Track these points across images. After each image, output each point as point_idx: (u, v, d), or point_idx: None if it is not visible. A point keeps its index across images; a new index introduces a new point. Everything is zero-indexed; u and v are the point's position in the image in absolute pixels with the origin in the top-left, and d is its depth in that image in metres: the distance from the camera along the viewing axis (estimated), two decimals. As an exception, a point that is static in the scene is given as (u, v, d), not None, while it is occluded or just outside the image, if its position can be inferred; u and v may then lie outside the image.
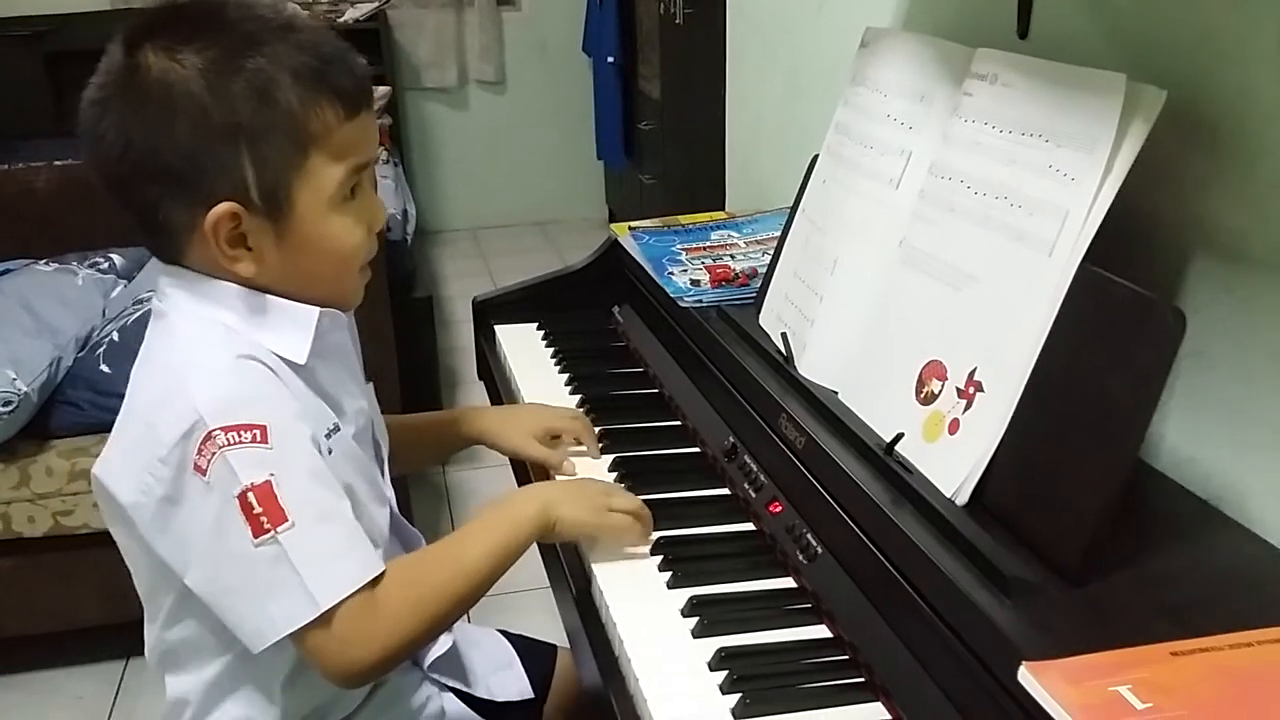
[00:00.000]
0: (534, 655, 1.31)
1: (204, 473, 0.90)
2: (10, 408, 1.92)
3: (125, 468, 0.96)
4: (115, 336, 2.11)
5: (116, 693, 2.16)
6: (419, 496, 2.71)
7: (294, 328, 0.99)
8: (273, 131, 0.93)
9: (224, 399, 0.92)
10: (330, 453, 0.99)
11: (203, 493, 0.91)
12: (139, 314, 2.16)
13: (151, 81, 0.91)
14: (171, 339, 0.98)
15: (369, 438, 1.12)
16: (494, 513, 1.07)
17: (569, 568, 1.10)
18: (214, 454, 0.90)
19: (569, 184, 5.11)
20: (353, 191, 0.99)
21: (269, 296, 0.99)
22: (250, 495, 0.90)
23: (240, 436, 0.90)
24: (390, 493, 1.13)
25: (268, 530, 0.90)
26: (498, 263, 4.62)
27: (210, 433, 0.90)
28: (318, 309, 1.01)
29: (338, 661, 0.94)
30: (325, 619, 0.92)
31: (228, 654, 1.00)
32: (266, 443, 0.91)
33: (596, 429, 1.33)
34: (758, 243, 1.59)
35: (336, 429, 1.02)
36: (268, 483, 0.90)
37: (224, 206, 0.93)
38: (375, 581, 0.95)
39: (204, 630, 1.00)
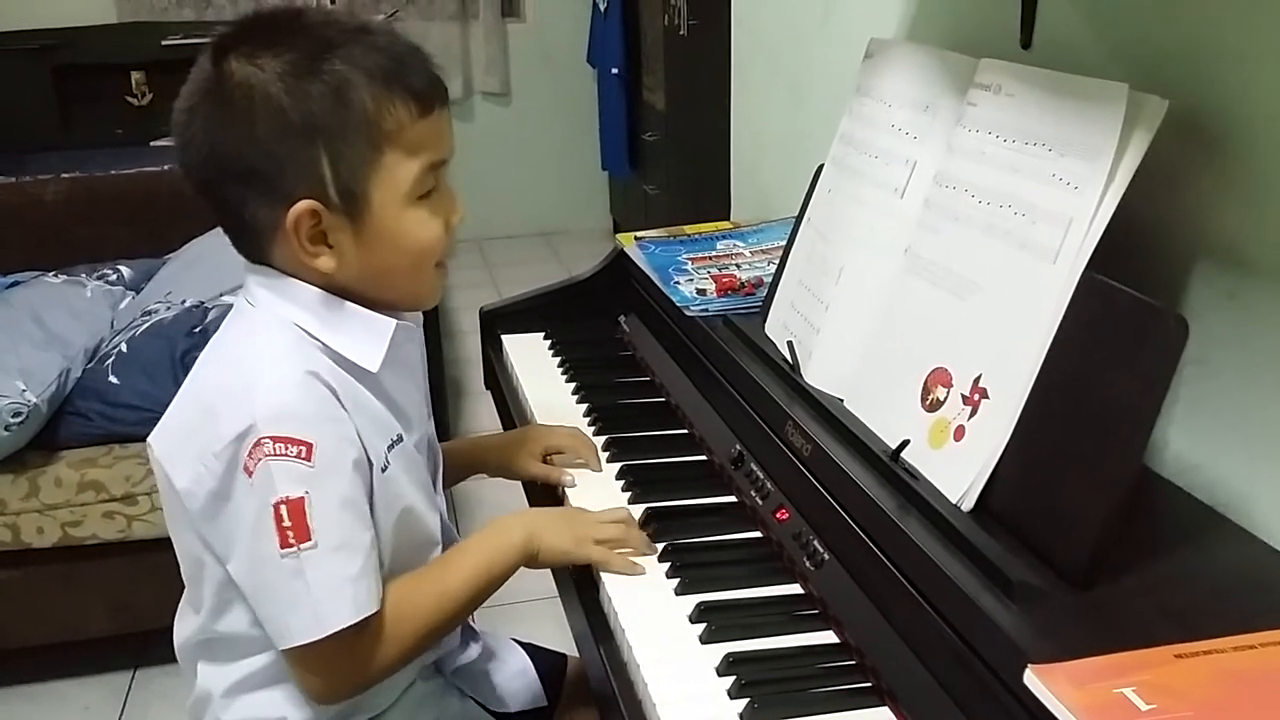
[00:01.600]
0: (545, 663, 1.32)
1: (250, 474, 0.94)
2: (19, 419, 1.93)
3: (182, 452, 1.00)
4: (124, 348, 2.12)
5: (124, 703, 2.16)
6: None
7: (370, 335, 1.02)
8: (348, 130, 0.96)
9: (281, 411, 0.95)
10: (387, 468, 1.02)
11: (247, 492, 0.95)
12: (147, 325, 2.17)
13: (234, 86, 0.95)
14: (250, 335, 1.02)
15: (426, 446, 1.16)
16: (481, 540, 1.10)
17: (577, 576, 1.11)
18: (261, 459, 0.94)
19: (574, 195, 5.13)
20: (429, 191, 1.01)
21: (348, 304, 1.02)
22: (283, 508, 0.94)
23: (286, 449, 0.94)
24: (441, 501, 1.17)
25: (292, 545, 0.94)
26: (503, 273, 4.64)
27: (260, 439, 0.94)
28: (394, 321, 1.04)
29: (318, 682, 1.00)
30: (321, 643, 0.96)
31: (272, 649, 1.02)
32: (310, 461, 0.94)
33: (603, 438, 1.34)
34: (763, 252, 1.59)
35: (400, 439, 1.05)
36: (301, 499, 0.94)
37: (304, 204, 0.96)
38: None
39: (253, 623, 1.02)
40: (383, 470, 1.02)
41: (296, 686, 1.02)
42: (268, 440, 0.94)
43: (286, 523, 0.94)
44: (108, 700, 2.17)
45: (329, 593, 0.95)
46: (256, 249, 1.02)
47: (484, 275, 4.64)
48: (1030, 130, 0.97)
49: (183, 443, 1.01)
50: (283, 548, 0.94)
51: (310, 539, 0.94)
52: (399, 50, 0.99)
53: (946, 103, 1.11)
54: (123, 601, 2.08)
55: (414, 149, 0.99)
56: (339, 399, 0.99)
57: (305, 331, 1.00)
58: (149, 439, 1.05)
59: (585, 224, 5.13)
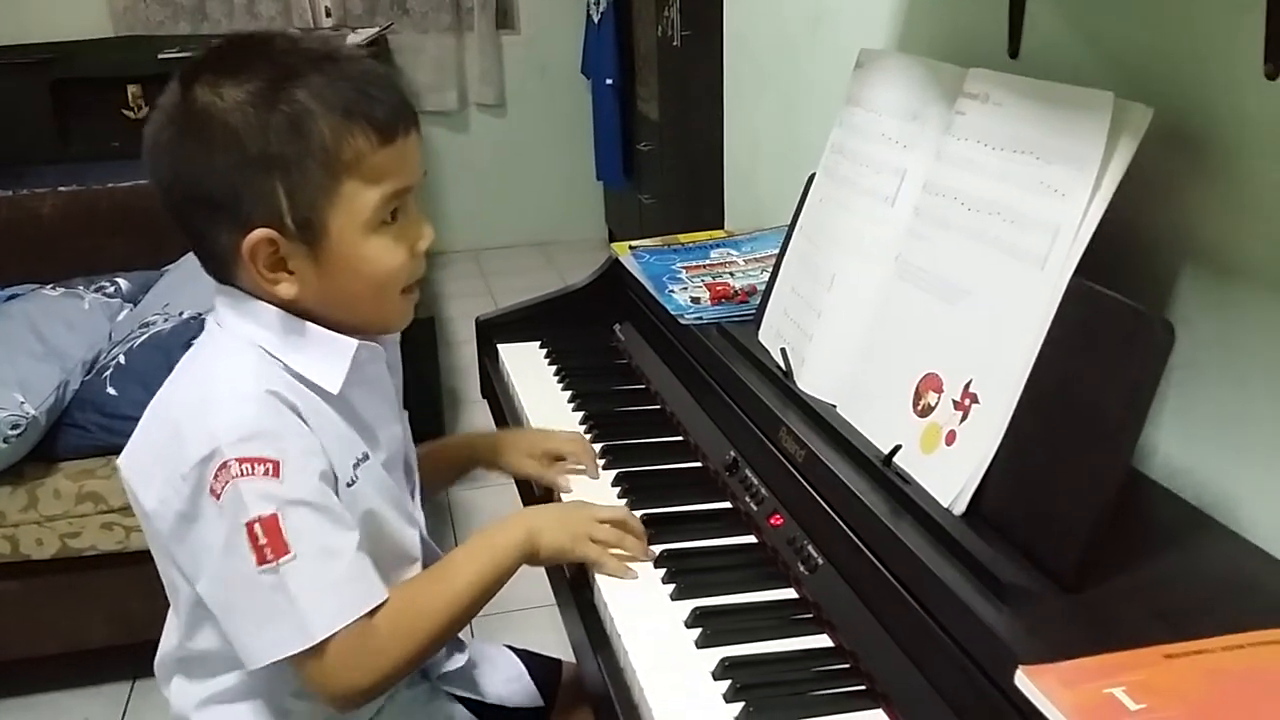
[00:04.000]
0: (540, 669, 1.33)
1: (218, 496, 0.94)
2: (18, 431, 1.93)
3: (148, 473, 1.00)
4: (122, 359, 2.13)
5: (124, 714, 2.16)
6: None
7: (330, 357, 1.03)
8: (305, 160, 0.96)
9: (244, 430, 0.95)
10: (353, 483, 1.03)
11: (216, 515, 0.95)
12: (145, 337, 2.18)
13: (196, 114, 0.96)
14: (214, 353, 1.03)
15: (400, 464, 1.16)
16: (481, 540, 1.10)
17: (573, 581, 1.12)
18: (228, 481, 0.94)
19: (569, 205, 5.14)
20: (394, 215, 1.02)
21: (309, 325, 1.02)
22: (257, 526, 0.94)
23: (254, 469, 0.94)
24: (420, 516, 1.17)
25: (270, 560, 0.94)
26: (499, 283, 4.64)
27: (226, 461, 0.94)
28: (356, 341, 1.04)
29: (328, 687, 0.99)
30: (319, 648, 0.96)
31: (242, 666, 1.02)
32: (278, 477, 0.95)
33: (599, 445, 1.35)
34: (756, 260, 1.61)
35: (366, 458, 1.06)
36: (274, 516, 0.94)
37: (259, 233, 0.97)
38: (372, 612, 0.98)
39: (225, 641, 1.02)
40: (349, 485, 1.03)
41: (314, 697, 1.01)
42: (233, 462, 0.94)
43: (262, 540, 0.94)
44: (107, 711, 2.17)
45: (315, 600, 0.95)
46: (222, 272, 1.03)
47: (480, 285, 4.65)
48: (1018, 138, 0.99)
49: (149, 464, 1.01)
50: (260, 564, 0.94)
51: (289, 551, 0.94)
52: (364, 79, 0.99)
53: (936, 112, 1.13)
54: (122, 612, 2.08)
55: (375, 178, 0.99)
56: (301, 416, 0.99)
57: (267, 352, 1.01)
58: (119, 460, 1.05)
59: (581, 234, 5.14)
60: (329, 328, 1.03)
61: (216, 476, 0.94)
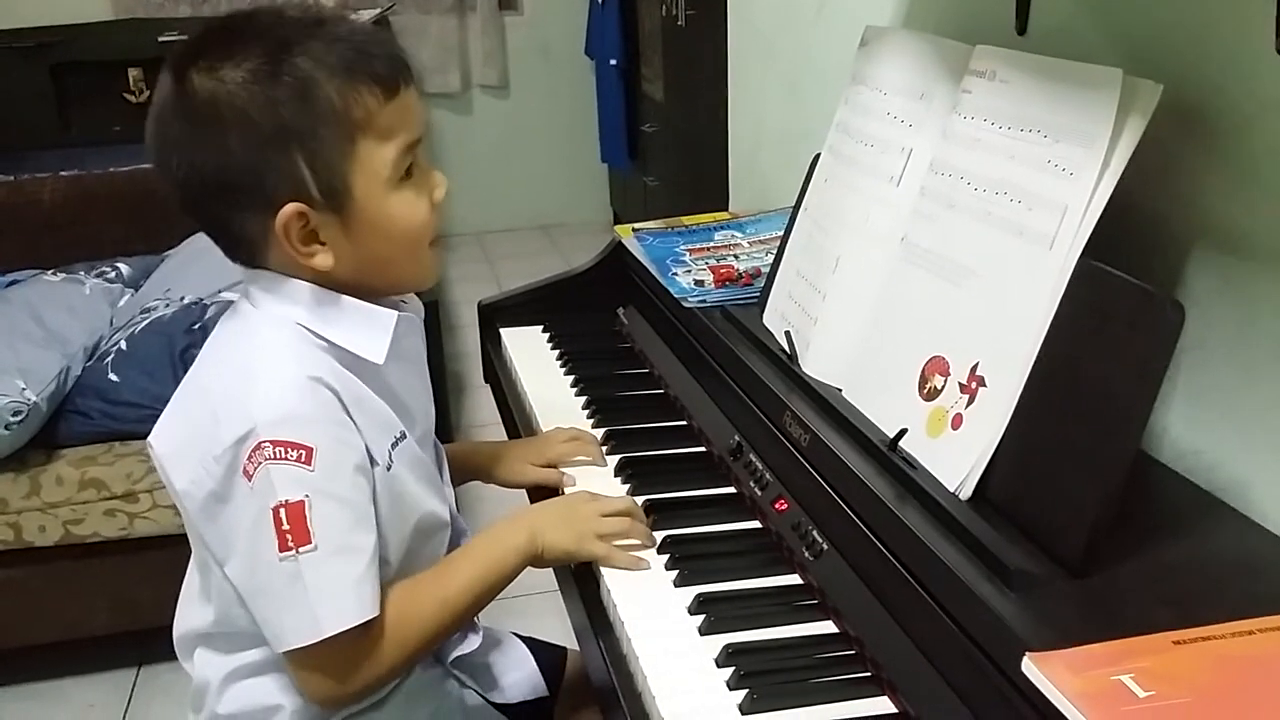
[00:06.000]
0: (545, 656, 1.32)
1: (250, 478, 0.94)
2: (20, 417, 1.93)
3: (183, 453, 1.00)
4: (123, 345, 2.12)
5: (129, 701, 2.16)
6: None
7: (372, 328, 1.03)
8: (319, 127, 0.96)
9: (282, 415, 0.95)
10: (391, 466, 1.03)
11: (246, 496, 0.95)
12: (147, 323, 2.17)
13: (200, 103, 0.95)
14: (252, 337, 1.02)
15: (431, 440, 1.16)
16: (483, 544, 1.10)
17: (576, 568, 1.11)
18: (260, 463, 0.94)
19: (573, 187, 5.12)
20: (409, 171, 1.02)
21: (347, 298, 1.02)
22: (283, 511, 0.94)
23: (287, 453, 0.94)
24: (450, 491, 1.18)
25: (291, 548, 0.94)
26: (503, 266, 4.63)
27: (261, 443, 0.94)
28: (396, 313, 1.04)
29: (320, 687, 1.00)
30: (319, 646, 0.96)
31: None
32: (310, 465, 0.95)
33: (602, 430, 1.34)
34: (761, 242, 1.59)
35: (403, 437, 1.06)
36: (301, 503, 0.94)
37: (290, 208, 0.97)
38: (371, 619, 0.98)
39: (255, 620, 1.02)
40: (387, 469, 1.02)
41: (298, 690, 1.02)
42: (268, 444, 0.94)
43: (285, 526, 0.94)
44: (112, 697, 2.17)
45: (327, 596, 0.95)
46: (252, 256, 1.02)
47: (484, 269, 4.64)
48: (1025, 117, 0.97)
49: (183, 444, 1.01)
50: (281, 551, 0.94)
51: (310, 542, 0.94)
52: (358, 38, 0.99)
53: (942, 90, 1.11)
54: (126, 599, 2.08)
55: (386, 133, 0.99)
56: (342, 401, 0.99)
57: (308, 330, 1.01)
58: (149, 439, 1.05)
59: (585, 216, 5.12)
60: (364, 298, 1.03)
61: (250, 458, 0.94)
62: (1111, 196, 0.88)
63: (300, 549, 0.94)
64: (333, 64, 0.96)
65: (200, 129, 0.96)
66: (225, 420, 0.96)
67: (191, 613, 1.11)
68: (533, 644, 1.33)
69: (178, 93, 0.97)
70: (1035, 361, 0.90)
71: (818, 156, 1.31)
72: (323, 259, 1.00)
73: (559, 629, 1.25)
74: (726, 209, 1.97)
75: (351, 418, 1.00)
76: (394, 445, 1.04)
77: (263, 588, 0.97)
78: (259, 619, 0.99)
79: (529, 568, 1.10)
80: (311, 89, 0.95)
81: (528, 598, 1.83)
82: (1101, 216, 0.88)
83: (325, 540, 0.95)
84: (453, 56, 4.83)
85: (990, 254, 0.97)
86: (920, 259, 1.06)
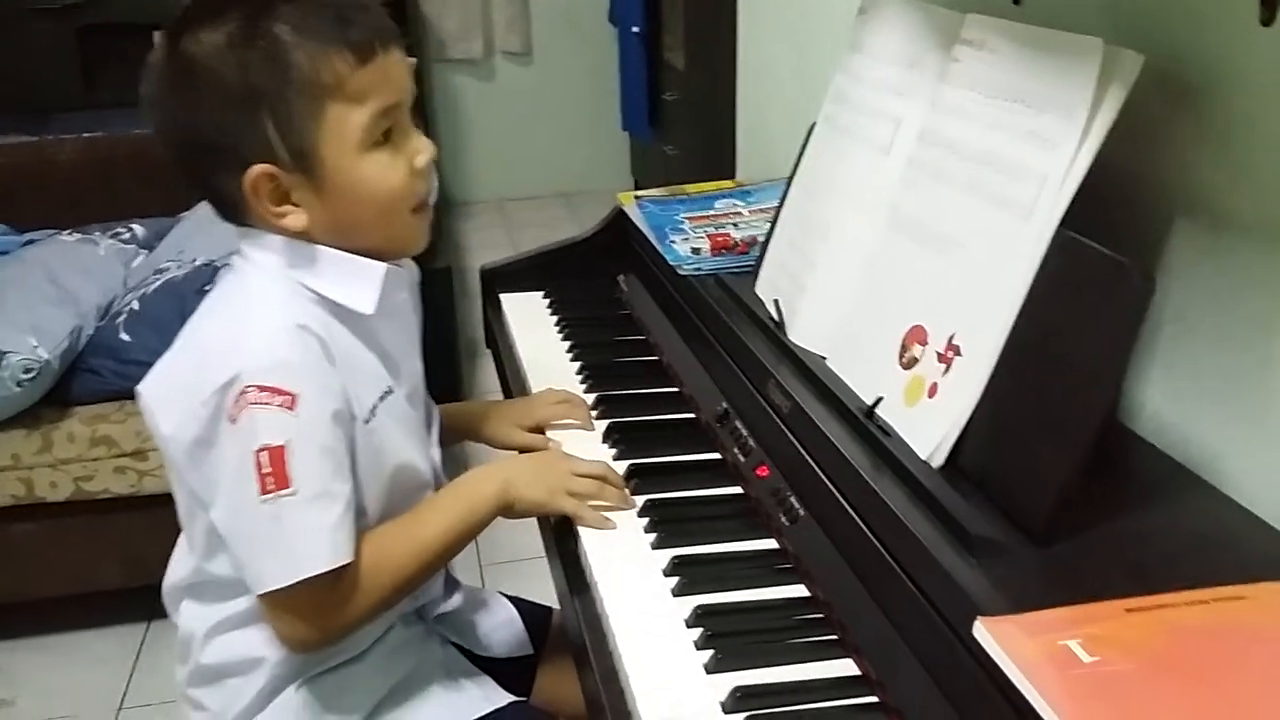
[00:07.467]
0: (530, 614, 1.34)
1: (234, 421, 0.96)
2: (32, 375, 1.96)
3: (170, 399, 1.03)
4: (136, 305, 2.14)
5: (138, 654, 2.20)
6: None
7: (362, 280, 1.04)
8: (287, 90, 0.97)
9: (268, 361, 0.97)
10: (370, 420, 1.04)
11: (230, 440, 0.97)
12: (159, 283, 2.19)
13: (181, 65, 0.98)
14: (244, 288, 1.05)
15: (420, 397, 1.18)
16: (455, 492, 1.12)
17: (557, 529, 1.12)
18: (245, 407, 0.96)
19: (594, 155, 5.10)
20: (389, 135, 1.03)
21: (336, 250, 1.04)
22: (264, 455, 0.96)
23: (271, 398, 0.96)
24: (437, 452, 1.19)
25: (271, 491, 0.96)
26: (522, 234, 4.63)
27: (245, 388, 0.96)
28: (384, 265, 1.05)
29: (292, 629, 1.02)
30: (293, 589, 0.98)
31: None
32: (294, 410, 0.96)
33: (593, 395, 1.34)
34: (762, 211, 1.58)
35: (390, 392, 1.08)
36: (282, 448, 0.96)
37: (257, 169, 0.99)
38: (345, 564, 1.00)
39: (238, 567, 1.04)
40: (365, 423, 1.04)
41: (275, 635, 1.03)
42: (252, 389, 0.96)
43: (267, 469, 0.96)
44: (122, 651, 2.21)
45: (304, 540, 0.97)
46: (235, 214, 1.05)
47: (503, 235, 4.64)
48: (1010, 87, 0.97)
49: (171, 390, 1.04)
50: (262, 493, 0.96)
51: (290, 486, 0.96)
52: (337, 4, 1.00)
53: (933, 59, 1.10)
54: (135, 554, 2.11)
55: (358, 98, 0.99)
56: (329, 351, 1.01)
57: (299, 284, 1.03)
58: (138, 387, 1.07)
59: (606, 185, 5.09)
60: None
61: (235, 402, 0.96)
62: (1093, 168, 0.88)
63: (280, 492, 0.96)
64: (306, 29, 0.97)
65: (179, 89, 0.99)
66: (212, 366, 0.98)
67: (178, 565, 1.13)
68: (520, 603, 1.35)
69: (164, 56, 0.99)
70: (1011, 331, 0.90)
71: (814, 125, 1.31)
72: (295, 219, 1.02)
73: (549, 593, 1.26)
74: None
75: (337, 369, 1.01)
76: (381, 399, 1.06)
77: (244, 530, 0.99)
78: (240, 563, 1.01)
79: (521, 530, 1.11)
80: (281, 53, 0.97)
81: (521, 562, 1.85)
82: (1081, 187, 0.88)
83: (304, 485, 0.97)
84: (476, 23, 4.82)
85: (973, 224, 0.97)
86: (907, 228, 1.06)
